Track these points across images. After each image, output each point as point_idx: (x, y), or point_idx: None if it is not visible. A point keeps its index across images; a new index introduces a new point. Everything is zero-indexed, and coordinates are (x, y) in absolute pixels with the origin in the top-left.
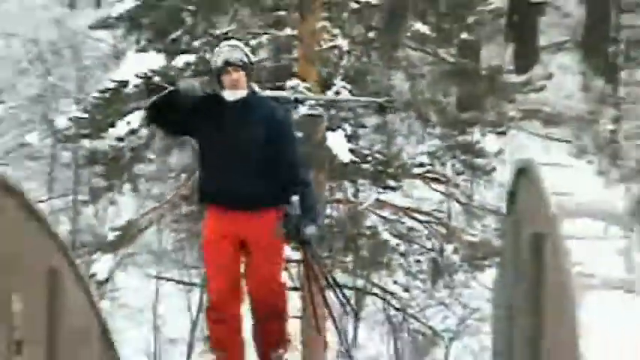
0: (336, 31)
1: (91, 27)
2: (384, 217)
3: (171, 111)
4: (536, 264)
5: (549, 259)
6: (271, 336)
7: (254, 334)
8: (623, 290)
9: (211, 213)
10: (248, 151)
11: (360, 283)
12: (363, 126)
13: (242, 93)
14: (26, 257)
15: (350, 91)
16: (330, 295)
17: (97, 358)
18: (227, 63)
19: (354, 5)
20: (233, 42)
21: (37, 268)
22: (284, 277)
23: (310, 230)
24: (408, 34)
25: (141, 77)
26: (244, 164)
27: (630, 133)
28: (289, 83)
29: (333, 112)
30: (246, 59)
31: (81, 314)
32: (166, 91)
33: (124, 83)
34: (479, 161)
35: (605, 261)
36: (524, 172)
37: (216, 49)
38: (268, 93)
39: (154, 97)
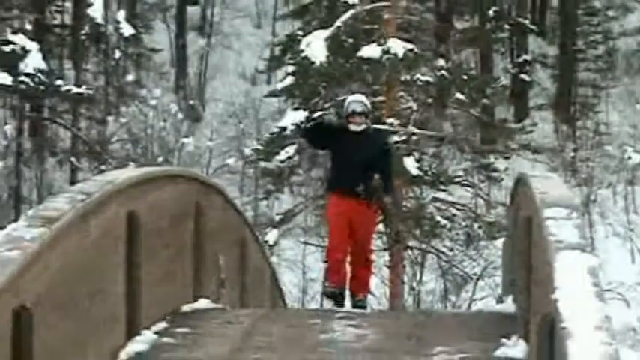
0: (409, 97)
1: (265, 95)
2: (437, 207)
3: (320, 133)
4: (527, 234)
5: (535, 232)
6: (360, 280)
7: (350, 280)
8: (579, 250)
9: (333, 199)
10: (362, 162)
11: (424, 246)
12: (425, 153)
13: (361, 127)
14: (227, 231)
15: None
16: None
17: (268, 289)
18: (354, 112)
19: (419, 83)
20: (360, 97)
21: (233, 237)
22: (373, 244)
23: (387, 199)
24: (452, 99)
25: (294, 125)
26: (359, 170)
27: (582, 158)
28: (387, 120)
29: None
30: (365, 109)
31: (259, 264)
32: (317, 121)
33: (284, 129)
34: (494, 175)
35: (568, 232)
36: (520, 181)
37: (349, 97)
38: (374, 126)
39: (309, 124)
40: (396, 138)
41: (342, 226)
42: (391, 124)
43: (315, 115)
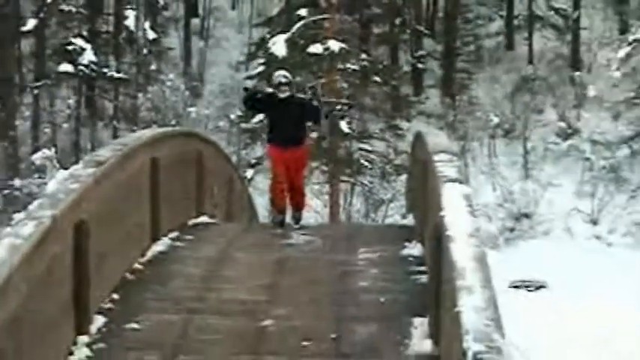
0: (342, 80)
1: (244, 78)
2: (361, 154)
3: (255, 101)
4: (423, 172)
5: (428, 170)
6: (297, 203)
7: (290, 203)
8: (458, 183)
9: (272, 148)
10: (289, 119)
11: (352, 180)
12: (353, 117)
13: (286, 94)
14: (219, 170)
15: (348, 104)
16: (340, 186)
17: (247, 209)
18: (280, 83)
19: (349, 70)
20: (284, 72)
21: (223, 174)
22: (304, 180)
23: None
24: (371, 81)
25: None
26: (288, 126)
27: (460, 121)
28: (309, 84)
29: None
30: (288, 80)
31: (240, 192)
32: (253, 91)
33: None
34: (399, 132)
35: (451, 170)
36: (418, 136)
37: (276, 73)
38: (299, 95)
39: (247, 93)
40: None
41: (280, 168)
42: (306, 93)
43: (252, 85)
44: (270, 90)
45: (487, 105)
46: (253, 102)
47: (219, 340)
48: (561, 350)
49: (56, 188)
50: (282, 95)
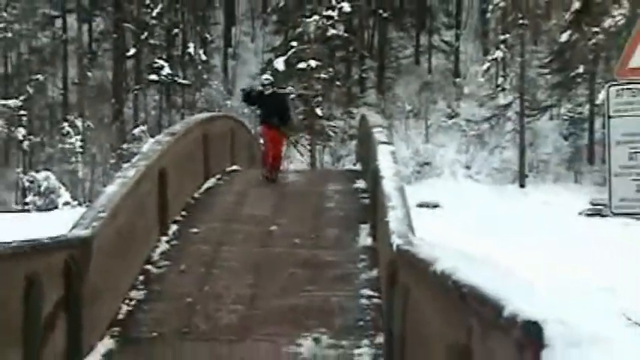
0: (317, 84)
1: (241, 89)
2: (330, 129)
3: (250, 97)
4: (367, 138)
5: (370, 137)
6: (275, 163)
7: (271, 163)
8: (387, 144)
9: (262, 127)
10: (273, 109)
11: (324, 144)
12: (324, 106)
13: (270, 91)
14: (245, 139)
15: (321, 95)
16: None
17: (259, 162)
18: (265, 84)
19: (322, 78)
20: (268, 76)
21: (247, 142)
22: (284, 148)
23: (287, 127)
24: (334, 85)
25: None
26: (271, 113)
27: (388, 108)
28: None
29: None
30: (269, 82)
31: (257, 153)
32: (248, 91)
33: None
34: (352, 115)
35: (383, 137)
36: (363, 116)
37: (263, 77)
38: (279, 90)
39: (244, 92)
40: (292, 95)
41: (266, 139)
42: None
43: (247, 89)
44: (260, 88)
45: (404, 98)
46: (249, 98)
47: (244, 237)
48: (449, 242)
49: (148, 149)
50: (267, 92)
